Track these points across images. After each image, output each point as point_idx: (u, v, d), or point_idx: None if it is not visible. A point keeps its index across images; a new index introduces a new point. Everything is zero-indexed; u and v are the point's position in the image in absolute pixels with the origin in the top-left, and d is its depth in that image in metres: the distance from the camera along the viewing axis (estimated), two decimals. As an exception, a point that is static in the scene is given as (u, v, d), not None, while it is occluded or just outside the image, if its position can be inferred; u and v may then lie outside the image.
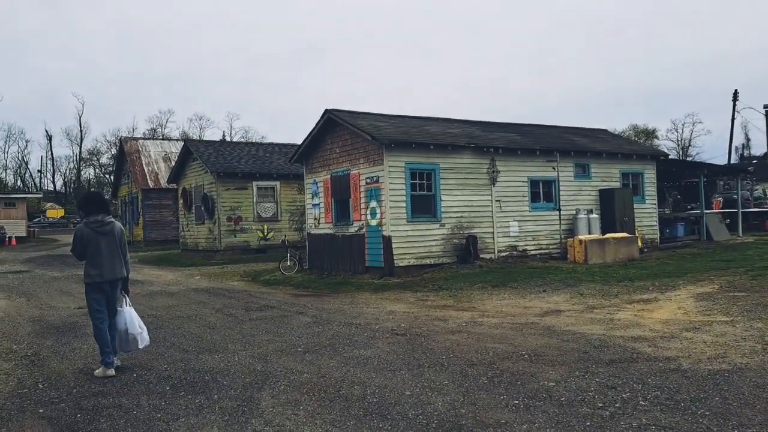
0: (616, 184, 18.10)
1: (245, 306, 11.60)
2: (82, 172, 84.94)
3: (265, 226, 24.11)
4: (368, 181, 15.03)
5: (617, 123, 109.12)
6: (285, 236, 17.51)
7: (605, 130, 21.91)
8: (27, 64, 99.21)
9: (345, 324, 9.16)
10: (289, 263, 17.27)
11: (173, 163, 34.22)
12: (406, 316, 9.63)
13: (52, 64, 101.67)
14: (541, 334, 7.67)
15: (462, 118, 18.39)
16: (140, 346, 7.18)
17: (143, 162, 33.44)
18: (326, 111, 15.99)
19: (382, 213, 14.59)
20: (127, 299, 7.31)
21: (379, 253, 14.70)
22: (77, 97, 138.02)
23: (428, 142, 14.80)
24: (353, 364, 6.65)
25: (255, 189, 23.86)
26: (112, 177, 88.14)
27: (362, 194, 15.27)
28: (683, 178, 26.09)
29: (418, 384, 5.71)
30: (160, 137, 41.95)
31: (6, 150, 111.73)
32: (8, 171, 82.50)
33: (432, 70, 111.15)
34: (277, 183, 24.29)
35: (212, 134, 79.39)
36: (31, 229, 47.19)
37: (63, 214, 76.76)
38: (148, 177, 32.64)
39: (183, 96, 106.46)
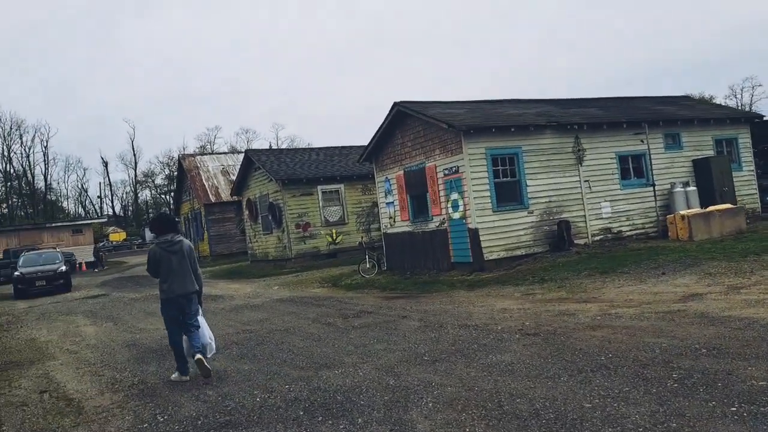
0: (710, 153, 16.72)
1: (340, 314, 11.00)
2: (139, 195, 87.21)
3: (334, 230, 23.63)
4: (447, 172, 14.24)
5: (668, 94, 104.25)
6: (362, 238, 16.95)
7: (687, 96, 20.45)
8: (77, 95, 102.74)
9: (460, 326, 8.40)
10: (368, 265, 16.66)
11: (231, 177, 34.32)
12: (524, 314, 8.79)
13: (101, 92, 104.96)
14: (700, 323, 6.72)
15: (535, 98, 17.37)
16: (208, 355, 7.50)
17: (203, 177, 33.59)
18: (395, 104, 15.29)
19: (465, 205, 13.77)
20: (200, 310, 7.67)
21: (465, 247, 13.89)
22: (128, 122, 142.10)
23: (508, 125, 13.90)
24: (497, 372, 5.88)
25: (320, 193, 23.41)
26: (168, 197, 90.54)
27: (441, 187, 14.49)
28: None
29: (591, 393, 4.90)
30: (215, 152, 42.18)
31: (66, 180, 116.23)
32: (69, 199, 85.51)
33: (465, 60, 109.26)
34: (342, 185, 23.77)
35: (259, 145, 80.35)
36: (100, 253, 48.51)
37: (125, 236, 79.04)
38: (209, 192, 32.76)
39: (228, 111, 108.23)
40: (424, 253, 15.29)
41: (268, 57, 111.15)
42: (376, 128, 16.24)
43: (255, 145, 77.62)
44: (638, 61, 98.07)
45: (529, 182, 14.17)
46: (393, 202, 16.53)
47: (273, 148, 25.71)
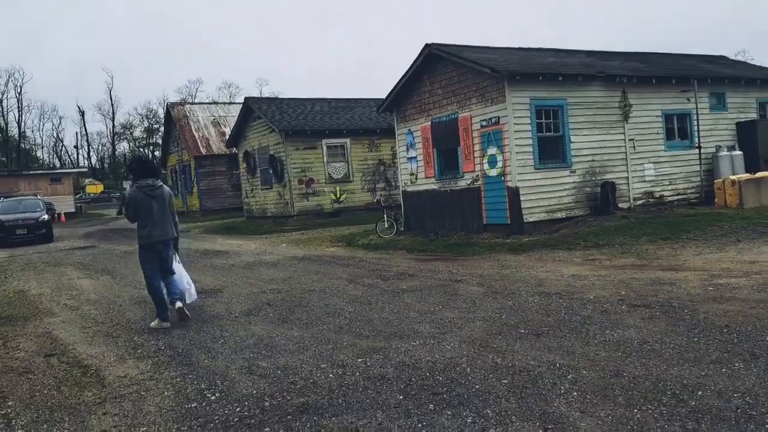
0: (753, 116, 15.67)
1: (377, 274, 9.81)
2: (117, 147, 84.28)
3: (338, 188, 22.28)
4: (484, 123, 12.96)
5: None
6: (380, 196, 15.70)
7: (724, 57, 19.27)
8: (53, 42, 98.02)
9: (537, 294, 7.27)
10: (386, 225, 15.43)
11: (223, 128, 32.58)
12: (606, 281, 7.69)
13: (78, 40, 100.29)
14: None
15: (574, 48, 16.05)
16: (188, 301, 7.49)
17: (192, 128, 31.73)
18: (427, 45, 13.87)
19: (504, 160, 12.55)
20: (177, 257, 7.68)
21: (501, 208, 12.73)
22: (106, 71, 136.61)
23: (556, 73, 12.61)
24: (633, 352, 4.77)
25: (325, 148, 21.96)
26: (147, 150, 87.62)
27: (476, 140, 13.23)
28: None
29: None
30: (206, 102, 40.06)
31: (41, 128, 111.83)
32: (44, 149, 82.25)
33: (468, 20, 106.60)
34: (347, 140, 22.33)
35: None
36: (79, 204, 46.46)
37: (102, 189, 76.38)
38: (199, 143, 30.97)
39: (209, 65, 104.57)
40: (452, 213, 14.10)
41: (251, 10, 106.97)
42: (395, 80, 14.82)
43: (238, 101, 74.73)
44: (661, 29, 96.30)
45: (573, 138, 12.98)
46: (415, 157, 15.23)
47: (276, 97, 23.94)
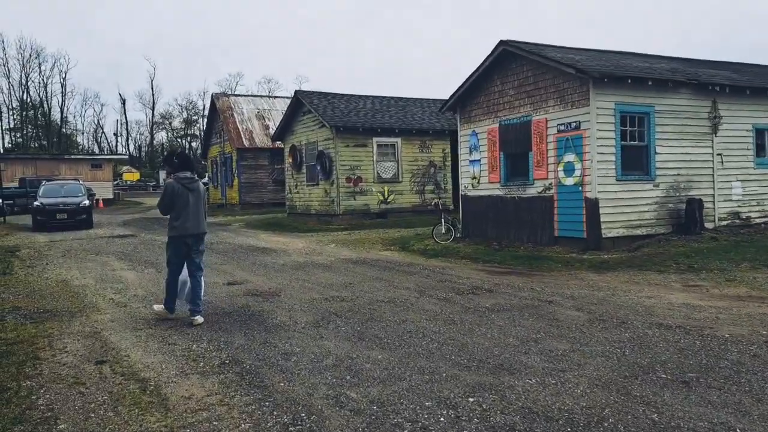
0: None
1: (448, 287, 8.91)
2: (155, 136, 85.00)
3: (386, 188, 21.44)
4: (562, 128, 11.96)
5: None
6: (438, 199, 14.82)
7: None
8: (98, 29, 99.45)
9: (654, 325, 6.29)
10: (443, 230, 14.52)
11: (266, 121, 32.06)
12: (734, 316, 6.65)
13: (123, 28, 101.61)
14: None
15: (659, 54, 14.92)
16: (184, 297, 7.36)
17: (236, 120, 31.25)
18: (501, 42, 12.92)
19: (583, 169, 11.53)
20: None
21: (577, 220, 11.70)
22: (149, 60, 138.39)
23: (646, 77, 11.53)
24: (829, 416, 3.78)
25: (375, 146, 21.13)
26: (184, 140, 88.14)
27: (551, 146, 12.23)
28: None
29: None
30: (252, 94, 39.64)
31: (83, 114, 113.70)
32: (85, 135, 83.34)
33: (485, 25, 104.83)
34: (398, 140, 21.47)
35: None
36: (117, 191, 46.62)
37: (139, 177, 77.11)
38: (242, 135, 30.47)
39: (250, 59, 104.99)
40: (518, 222, 13.11)
41: (288, 7, 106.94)
42: (463, 79, 13.86)
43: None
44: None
45: (658, 149, 11.89)
46: (479, 160, 14.28)
47: (327, 91, 23.22)
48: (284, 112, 31.80)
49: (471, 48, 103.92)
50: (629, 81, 11.34)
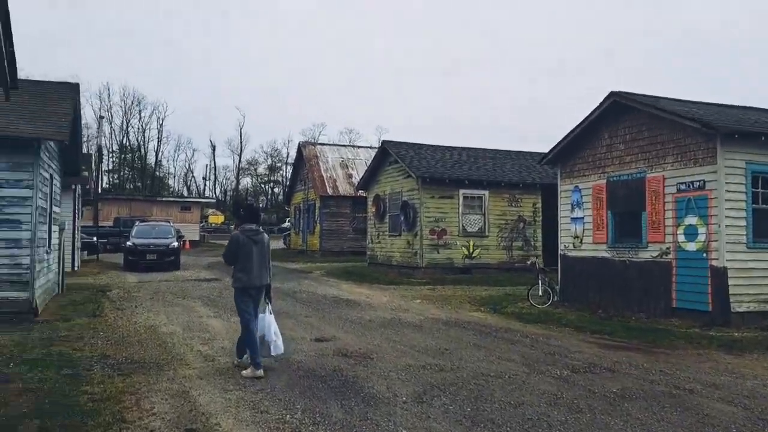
0: None
1: (560, 362, 7.94)
2: (240, 181, 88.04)
3: (471, 242, 20.61)
4: (683, 187, 10.87)
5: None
6: (535, 258, 13.92)
7: None
8: (194, 79, 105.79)
9: (838, 432, 5.13)
10: (540, 293, 13.49)
11: (350, 170, 32.21)
12: None
13: (217, 79, 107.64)
14: None
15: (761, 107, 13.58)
16: (273, 353, 7.32)
17: (321, 168, 31.58)
18: (612, 94, 12.10)
19: (709, 234, 10.34)
20: (269, 307, 7.54)
21: (700, 291, 10.46)
22: (239, 109, 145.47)
23: (782, 134, 10.34)
24: None
25: (461, 198, 20.46)
26: (267, 186, 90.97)
27: (669, 206, 11.13)
28: None
29: None
30: (337, 143, 40.31)
31: (175, 158, 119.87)
32: (176, 178, 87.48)
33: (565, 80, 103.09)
34: (486, 192, 20.72)
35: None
36: (202, 233, 48.09)
37: (223, 220, 79.72)
38: (326, 183, 30.68)
39: (333, 110, 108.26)
40: (627, 288, 11.94)
41: (375, 60, 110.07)
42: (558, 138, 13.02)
43: (359, 145, 75.87)
44: None
45: (795, 214, 10.55)
46: (582, 218, 13.29)
47: (413, 142, 22.95)
48: (367, 162, 32.04)
49: (549, 103, 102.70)
50: (762, 138, 10.19)
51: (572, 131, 13.22)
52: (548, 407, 5.89)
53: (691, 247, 10.63)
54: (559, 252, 14.04)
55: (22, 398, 5.87)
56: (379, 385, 6.68)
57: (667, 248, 11.11)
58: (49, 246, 12.98)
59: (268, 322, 7.39)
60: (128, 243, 23.08)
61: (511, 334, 10.23)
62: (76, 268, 21.10)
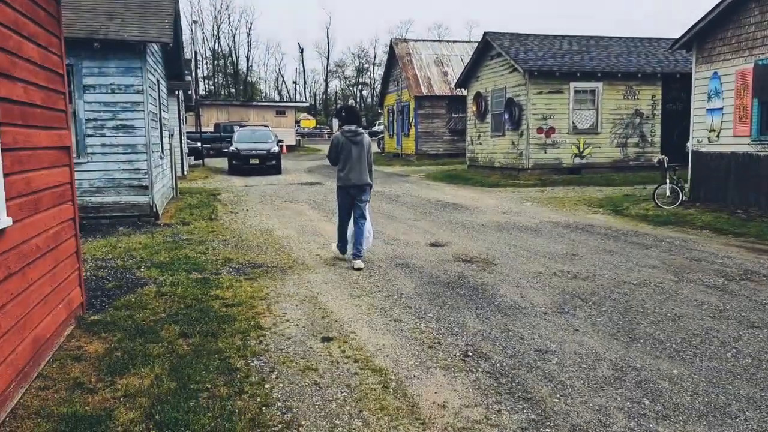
0: None
1: (707, 268, 7.16)
2: (329, 84, 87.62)
3: (581, 140, 19.26)
4: None
5: None
6: (663, 156, 12.67)
7: None
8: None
9: None
10: (668, 192, 12.37)
11: (445, 68, 30.74)
12: None
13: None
14: None
15: None
16: (364, 247, 7.62)
17: (415, 66, 30.28)
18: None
19: None
20: (368, 206, 7.77)
21: None
22: (325, 9, 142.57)
23: None
24: None
25: (572, 92, 18.92)
26: (356, 89, 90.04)
27: (836, 91, 9.52)
28: None
29: None
30: (429, 39, 38.46)
31: (266, 63, 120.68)
32: (267, 83, 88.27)
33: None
34: (600, 84, 19.02)
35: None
36: (297, 137, 48.67)
37: (315, 124, 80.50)
38: (420, 82, 29.49)
39: (419, 6, 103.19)
40: (774, 186, 10.64)
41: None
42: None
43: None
44: None
45: None
46: (720, 109, 11.78)
47: (517, 32, 21.21)
48: (463, 59, 30.34)
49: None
50: None
51: (714, 9, 11.44)
52: (713, 321, 5.25)
53: None
54: (691, 147, 12.68)
55: (158, 302, 5.96)
56: (511, 293, 6.27)
57: (832, 140, 9.62)
58: (163, 151, 13.25)
59: (367, 219, 7.72)
60: (231, 148, 23.55)
61: (643, 237, 9.43)
62: (185, 173, 21.88)
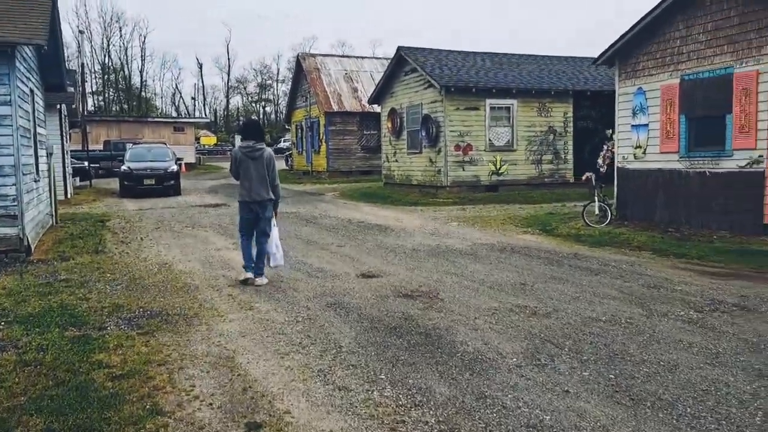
0: None
1: (671, 297, 6.54)
2: (230, 101, 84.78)
3: (498, 157, 18.96)
4: (785, 84, 9.15)
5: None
6: (590, 173, 12.32)
7: None
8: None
9: None
10: (597, 211, 12.01)
11: (355, 83, 29.97)
12: None
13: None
14: None
15: None
16: (271, 265, 7.60)
17: (324, 81, 29.22)
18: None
19: (818, 138, 8.74)
20: (274, 220, 7.68)
21: (800, 203, 8.98)
22: (225, 24, 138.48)
23: None
24: None
25: (488, 109, 18.61)
26: (259, 105, 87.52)
27: (763, 106, 9.46)
28: None
29: None
30: (338, 54, 37.53)
31: (162, 78, 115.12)
32: (163, 98, 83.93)
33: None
34: (514, 102, 18.84)
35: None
36: (197, 155, 46.02)
37: (216, 141, 77.20)
38: (330, 98, 28.45)
39: (324, 24, 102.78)
40: (705, 203, 10.47)
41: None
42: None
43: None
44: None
45: None
46: (646, 125, 11.60)
47: (432, 48, 20.73)
48: (373, 74, 29.71)
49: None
50: None
51: (638, 23, 11.28)
52: (714, 369, 4.49)
53: (794, 154, 9.05)
54: (616, 164, 12.45)
55: (18, 377, 4.45)
56: (472, 339, 5.27)
57: (760, 156, 9.53)
58: (38, 173, 11.28)
59: (272, 235, 7.57)
60: (123, 167, 21.32)
61: (586, 261, 8.82)
62: (68, 196, 19.44)
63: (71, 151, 23.50)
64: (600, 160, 13.33)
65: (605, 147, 13.42)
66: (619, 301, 6.47)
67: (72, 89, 19.26)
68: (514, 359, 4.78)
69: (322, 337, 5.42)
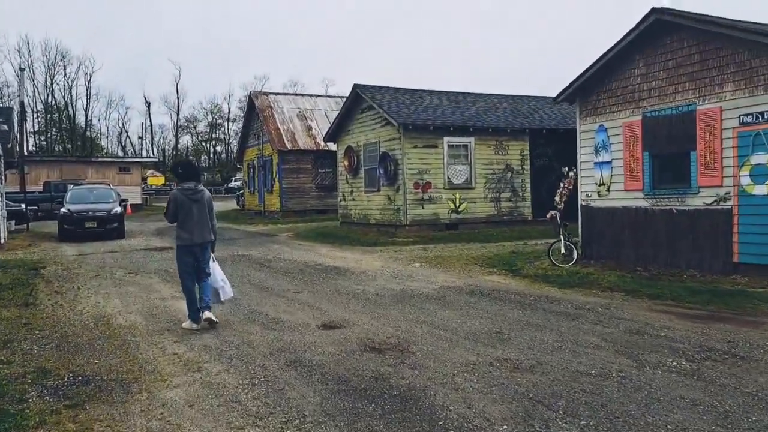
0: None
1: (656, 344, 6.12)
2: (179, 140, 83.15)
3: (457, 195, 18.67)
4: (747, 120, 9.12)
5: None
6: (554, 211, 12.03)
7: None
8: (123, 31, 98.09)
9: None
10: (563, 250, 11.70)
11: (309, 122, 29.55)
12: None
13: (148, 31, 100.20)
14: None
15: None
16: (222, 299, 7.62)
17: (277, 120, 28.65)
18: (654, 10, 10.13)
19: (784, 174, 8.67)
20: (213, 256, 7.66)
21: (769, 241, 8.85)
22: (174, 63, 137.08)
23: None
24: None
25: (446, 147, 18.37)
26: (209, 144, 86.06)
27: (727, 143, 9.40)
28: None
29: None
30: (291, 93, 37.12)
31: (108, 117, 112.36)
32: (109, 138, 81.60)
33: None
34: (472, 140, 18.70)
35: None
36: (144, 196, 44.44)
37: (164, 181, 75.19)
38: (284, 137, 27.86)
39: (274, 62, 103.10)
40: (672, 242, 10.28)
41: (315, 7, 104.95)
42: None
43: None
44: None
45: None
46: (609, 162, 11.46)
47: (389, 86, 20.52)
48: (327, 113, 29.41)
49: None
50: None
51: (598, 61, 11.23)
52: (716, 426, 4.01)
53: (760, 190, 8.96)
54: (580, 202, 12.24)
55: None
56: (454, 402, 4.67)
57: (727, 193, 9.42)
58: (-40, 218, 10.20)
59: (213, 272, 7.52)
60: (62, 210, 20.00)
61: (559, 304, 8.39)
62: (1, 242, 18.02)
63: (6, 193, 22.02)
64: (557, 198, 13.16)
65: (562, 184, 13.27)
66: (604, 351, 6.00)
67: (6, 127, 18.06)
68: (505, 426, 4.20)
69: (283, 403, 4.72)
